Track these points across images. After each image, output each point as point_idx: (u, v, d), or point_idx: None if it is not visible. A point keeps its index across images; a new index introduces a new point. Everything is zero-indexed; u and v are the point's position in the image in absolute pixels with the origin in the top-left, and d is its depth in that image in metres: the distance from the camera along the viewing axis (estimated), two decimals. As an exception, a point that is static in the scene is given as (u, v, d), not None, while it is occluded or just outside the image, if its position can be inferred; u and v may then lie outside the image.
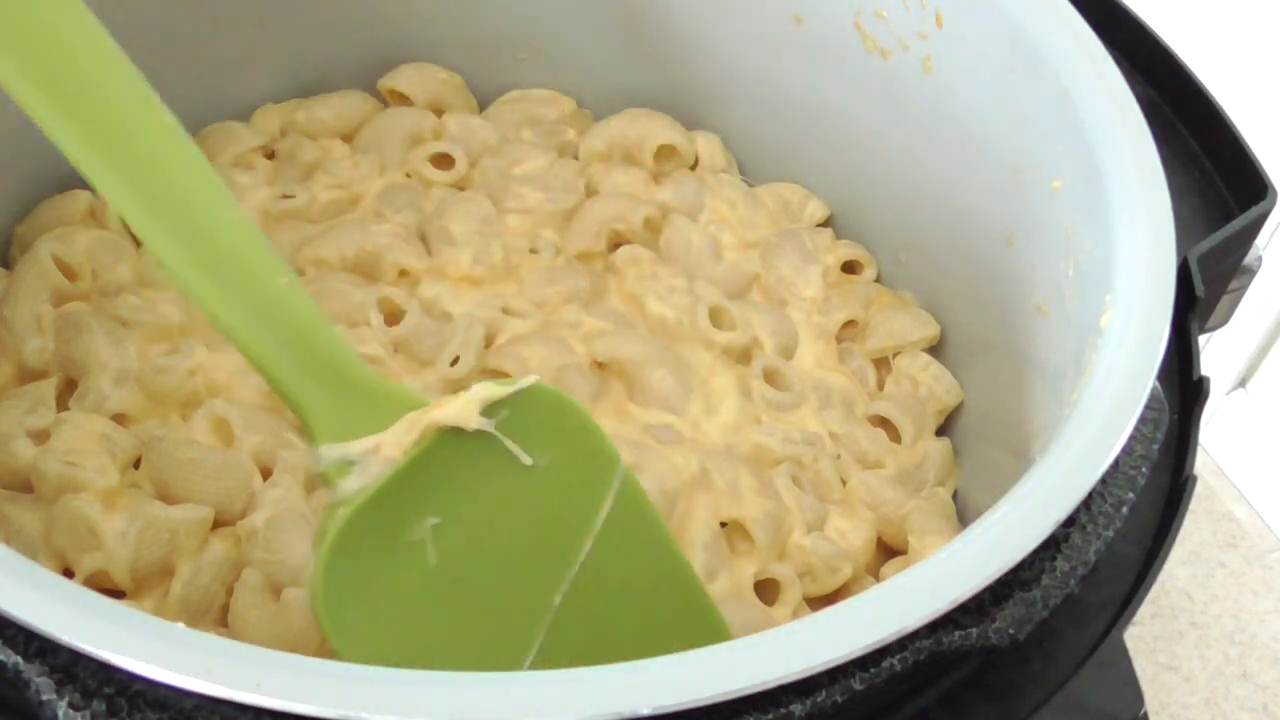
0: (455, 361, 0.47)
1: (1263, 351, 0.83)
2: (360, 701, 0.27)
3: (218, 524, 0.42)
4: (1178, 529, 0.38)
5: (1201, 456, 0.81)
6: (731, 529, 0.45)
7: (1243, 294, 0.49)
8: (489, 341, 0.48)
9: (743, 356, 0.50)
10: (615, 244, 0.53)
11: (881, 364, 0.53)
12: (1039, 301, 0.44)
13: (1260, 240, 0.48)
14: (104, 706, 0.28)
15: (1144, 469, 0.36)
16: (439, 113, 0.57)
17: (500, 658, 0.36)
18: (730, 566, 0.44)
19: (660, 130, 0.56)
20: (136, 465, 0.43)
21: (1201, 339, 0.45)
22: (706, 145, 0.57)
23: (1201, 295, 0.43)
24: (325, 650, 0.40)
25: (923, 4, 0.47)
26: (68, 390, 0.45)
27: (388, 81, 0.57)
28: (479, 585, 0.36)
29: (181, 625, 0.29)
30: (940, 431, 0.51)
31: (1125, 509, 0.35)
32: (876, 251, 0.55)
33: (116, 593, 0.41)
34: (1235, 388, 0.85)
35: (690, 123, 0.58)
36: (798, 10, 0.52)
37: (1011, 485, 0.33)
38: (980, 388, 0.51)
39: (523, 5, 0.57)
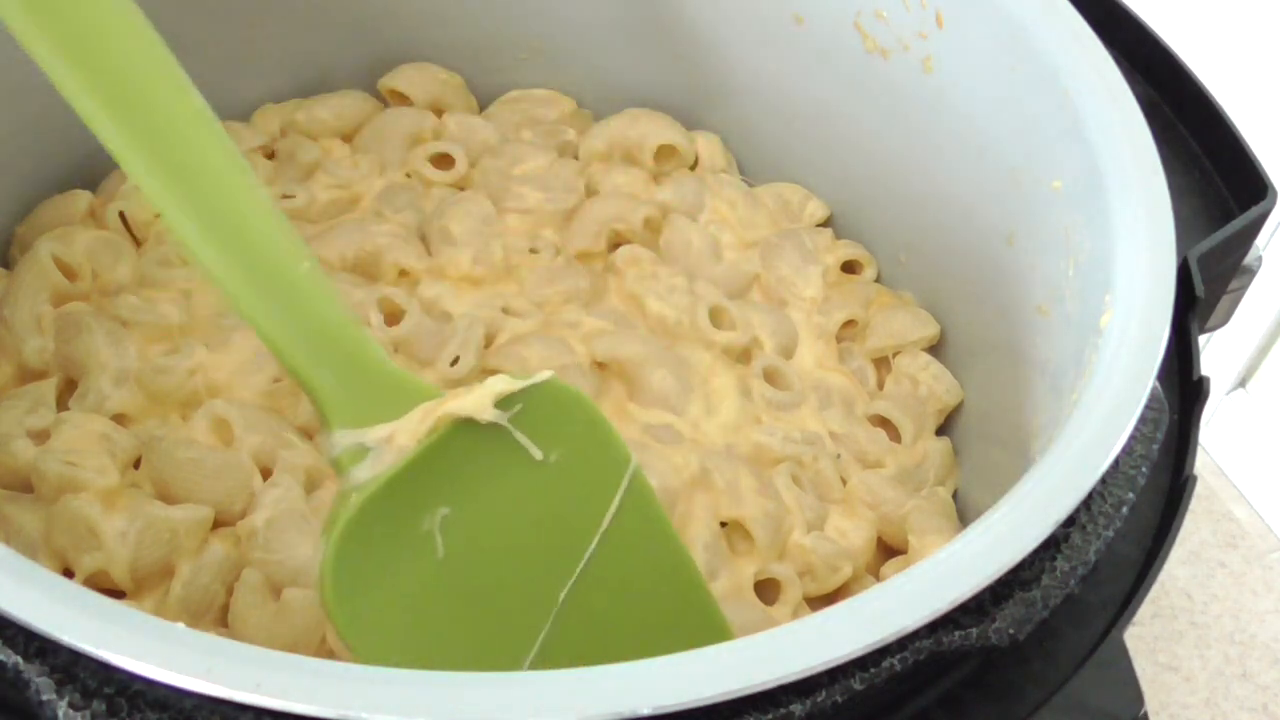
0: (455, 361, 0.47)
1: (1263, 351, 0.83)
2: (360, 701, 0.27)
3: (218, 524, 0.43)
4: (1178, 529, 0.38)
5: (1201, 456, 0.81)
6: (731, 529, 0.45)
7: (1243, 294, 0.49)
8: (489, 341, 0.48)
9: (743, 356, 0.50)
10: (615, 244, 0.53)
11: (881, 364, 0.53)
12: (1039, 301, 0.44)
13: (1260, 240, 0.48)
14: (104, 706, 0.28)
15: (1144, 469, 0.36)
16: (439, 113, 0.57)
17: (504, 652, 0.36)
18: (730, 566, 0.44)
19: (660, 130, 0.56)
20: (136, 465, 0.43)
21: (1201, 339, 0.45)
22: (706, 145, 0.57)
23: (1201, 295, 0.43)
24: (325, 650, 0.40)
25: (923, 4, 0.47)
26: (68, 390, 0.45)
27: (388, 81, 0.57)
28: (486, 579, 0.36)
29: (181, 625, 0.29)
30: (940, 431, 0.51)
31: (1125, 509, 0.35)
32: (876, 251, 0.55)
33: (116, 593, 0.41)
34: (1235, 388, 0.85)
35: (690, 123, 0.58)
36: (798, 10, 0.52)
37: (1011, 485, 0.33)
38: (980, 387, 0.51)
39: (523, 5, 0.57)
